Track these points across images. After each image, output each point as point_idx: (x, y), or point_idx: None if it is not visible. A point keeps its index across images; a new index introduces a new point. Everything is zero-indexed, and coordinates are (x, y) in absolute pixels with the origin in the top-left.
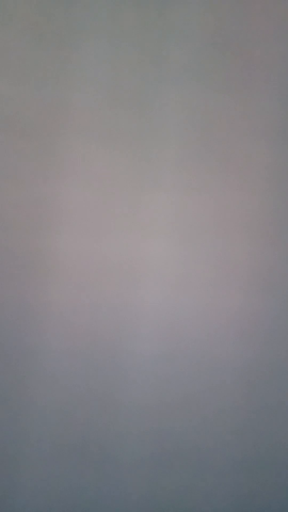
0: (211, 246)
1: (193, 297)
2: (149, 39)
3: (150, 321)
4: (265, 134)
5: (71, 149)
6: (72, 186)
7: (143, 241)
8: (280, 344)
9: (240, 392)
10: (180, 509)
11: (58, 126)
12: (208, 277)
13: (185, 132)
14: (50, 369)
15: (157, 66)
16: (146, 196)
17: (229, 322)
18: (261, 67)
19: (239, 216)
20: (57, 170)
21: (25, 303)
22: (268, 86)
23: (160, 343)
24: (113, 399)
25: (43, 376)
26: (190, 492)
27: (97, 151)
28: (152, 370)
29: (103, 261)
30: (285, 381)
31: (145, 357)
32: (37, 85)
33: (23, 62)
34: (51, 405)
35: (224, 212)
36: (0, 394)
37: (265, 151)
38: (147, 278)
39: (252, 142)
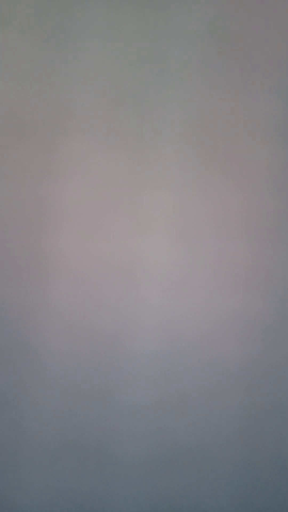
0: (211, 246)
1: (193, 296)
2: (149, 39)
3: (150, 320)
4: (265, 134)
5: (71, 149)
6: (72, 186)
7: (143, 241)
8: (280, 344)
9: (240, 391)
10: (180, 509)
11: (58, 126)
12: (208, 277)
13: (185, 132)
14: (50, 369)
15: (157, 66)
16: (146, 195)
17: (229, 321)
18: (261, 67)
19: (239, 215)
20: (57, 170)
21: (25, 302)
22: (268, 86)
23: (160, 343)
24: (113, 398)
25: (43, 376)
26: (190, 492)
27: (97, 151)
28: (152, 370)
29: (103, 260)
30: (285, 381)
31: (145, 357)
32: (37, 85)
33: (23, 62)
34: (51, 404)
35: (224, 212)
36: (0, 394)
37: (265, 151)
38: (147, 277)
39: (252, 142)
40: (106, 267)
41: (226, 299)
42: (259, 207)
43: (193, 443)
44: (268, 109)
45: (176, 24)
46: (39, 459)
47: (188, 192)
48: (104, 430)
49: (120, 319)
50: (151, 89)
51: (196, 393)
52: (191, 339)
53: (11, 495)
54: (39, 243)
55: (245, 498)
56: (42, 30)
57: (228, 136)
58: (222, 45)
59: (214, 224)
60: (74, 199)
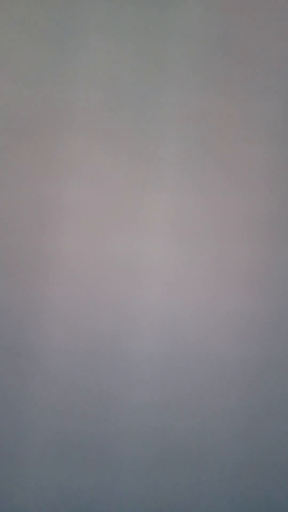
0: (211, 246)
1: (193, 296)
2: (149, 39)
3: (150, 320)
4: (265, 135)
5: (72, 149)
6: (73, 186)
7: (143, 241)
8: (280, 344)
9: (240, 391)
10: (180, 509)
11: (58, 126)
12: (208, 277)
13: (185, 133)
14: (50, 368)
15: (157, 67)
16: (146, 196)
17: (229, 322)
18: (261, 67)
19: (239, 216)
20: (57, 170)
21: (25, 302)
22: (268, 87)
23: (160, 343)
24: (113, 398)
25: (43, 375)
26: (190, 492)
27: (98, 151)
28: (152, 370)
29: (104, 260)
30: (285, 381)
31: (145, 357)
32: (37, 85)
33: (23, 62)
34: (51, 404)
35: (224, 212)
36: (0, 394)
37: (265, 152)
38: (147, 278)
39: (252, 143)
40: (106, 267)
41: (226, 299)
42: (259, 207)
43: (193, 443)
44: (268, 109)
45: (176, 24)
46: (39, 459)
47: (188, 192)
48: (104, 430)
49: (120, 319)
50: (151, 89)
51: (196, 393)
52: (191, 339)
53: (11, 495)
54: (39, 243)
55: (245, 498)
56: (42, 30)
57: (228, 136)
58: (222, 45)
59: (214, 224)
60: (74, 199)
